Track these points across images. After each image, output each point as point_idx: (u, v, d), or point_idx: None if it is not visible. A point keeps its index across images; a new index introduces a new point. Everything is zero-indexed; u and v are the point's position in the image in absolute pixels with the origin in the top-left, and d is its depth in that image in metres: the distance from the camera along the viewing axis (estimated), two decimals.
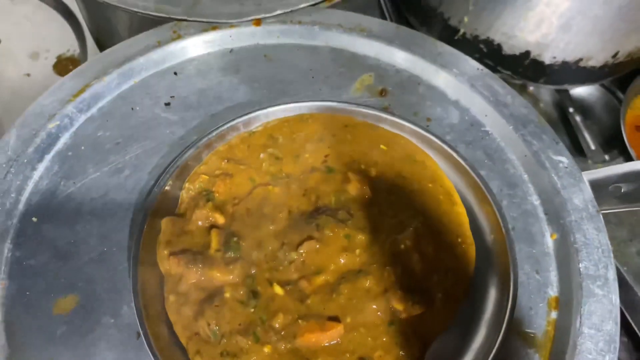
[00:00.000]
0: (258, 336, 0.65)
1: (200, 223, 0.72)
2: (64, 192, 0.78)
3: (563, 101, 1.11)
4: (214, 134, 0.79)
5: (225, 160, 0.78)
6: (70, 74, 0.86)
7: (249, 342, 0.64)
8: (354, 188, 0.75)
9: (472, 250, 0.72)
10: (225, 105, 0.86)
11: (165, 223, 0.72)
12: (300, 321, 0.66)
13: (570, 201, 0.76)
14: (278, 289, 0.68)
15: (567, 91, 1.11)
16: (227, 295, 0.67)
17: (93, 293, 0.70)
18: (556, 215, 0.75)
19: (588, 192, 0.76)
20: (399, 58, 0.91)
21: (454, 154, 0.78)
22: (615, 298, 0.69)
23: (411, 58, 0.90)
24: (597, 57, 0.99)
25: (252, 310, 0.66)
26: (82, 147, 0.82)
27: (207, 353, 0.65)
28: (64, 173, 0.79)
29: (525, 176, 0.80)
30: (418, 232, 0.71)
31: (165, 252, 0.70)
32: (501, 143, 0.83)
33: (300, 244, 0.70)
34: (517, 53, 1.00)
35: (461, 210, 0.75)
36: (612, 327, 0.67)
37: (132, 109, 0.86)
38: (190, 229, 0.72)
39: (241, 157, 0.79)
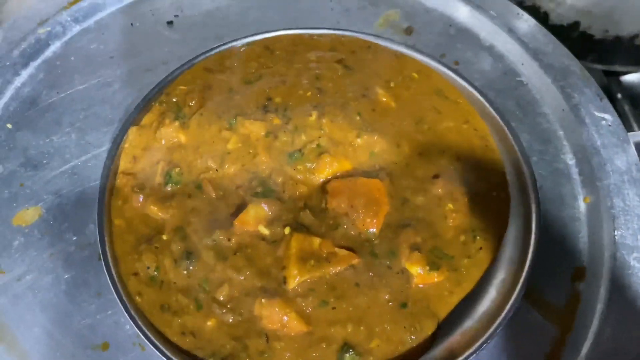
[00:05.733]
0: (200, 304, 0.55)
1: (163, 142, 0.64)
2: (46, 101, 0.71)
3: (611, 86, 0.96)
4: (212, 52, 0.71)
5: (209, 71, 0.70)
6: None
7: (191, 306, 0.55)
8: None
9: (506, 208, 0.61)
10: (231, 29, 0.77)
11: (132, 132, 0.65)
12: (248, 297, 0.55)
13: (610, 162, 0.65)
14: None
15: (617, 75, 0.97)
16: (165, 238, 0.58)
17: (58, 207, 0.63)
18: (592, 176, 0.65)
19: (633, 153, 0.65)
20: None
21: (481, 98, 0.69)
22: None
23: None
24: None
25: (186, 272, 0.56)
26: (72, 58, 0.75)
27: (148, 298, 0.55)
28: (48, 82, 0.73)
29: (561, 132, 0.70)
30: (453, 178, 0.61)
31: (125, 164, 0.63)
32: (536, 95, 0.73)
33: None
34: (565, 24, 0.89)
35: (497, 157, 0.64)
36: None
37: (132, 24, 0.79)
38: (154, 146, 0.64)
39: (228, 66, 0.71)
